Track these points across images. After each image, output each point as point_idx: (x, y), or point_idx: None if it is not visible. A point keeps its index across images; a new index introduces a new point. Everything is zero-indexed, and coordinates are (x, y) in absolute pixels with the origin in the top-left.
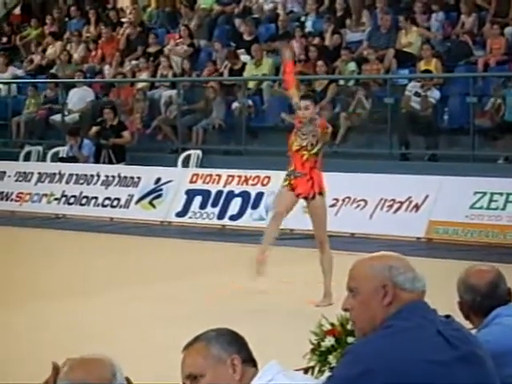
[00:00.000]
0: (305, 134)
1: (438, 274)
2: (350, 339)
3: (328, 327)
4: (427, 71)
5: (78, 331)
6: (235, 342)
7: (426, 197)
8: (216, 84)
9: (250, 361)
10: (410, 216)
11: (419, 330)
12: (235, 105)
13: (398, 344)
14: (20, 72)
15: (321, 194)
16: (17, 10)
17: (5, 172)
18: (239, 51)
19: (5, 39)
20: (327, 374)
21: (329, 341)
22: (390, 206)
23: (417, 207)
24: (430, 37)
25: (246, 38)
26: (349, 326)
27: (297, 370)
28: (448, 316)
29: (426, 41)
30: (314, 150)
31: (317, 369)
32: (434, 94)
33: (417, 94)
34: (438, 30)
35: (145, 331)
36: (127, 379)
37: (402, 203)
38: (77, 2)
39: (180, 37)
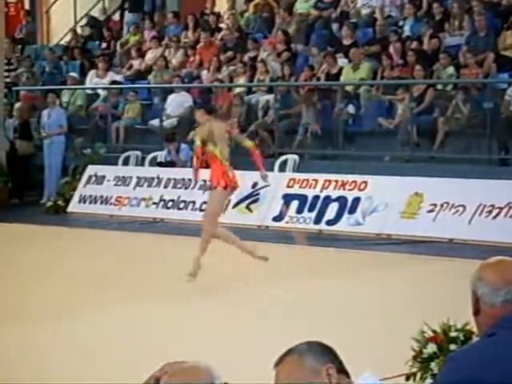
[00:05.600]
0: None
1: None
2: (452, 346)
3: (430, 334)
4: None
5: (184, 335)
6: (328, 353)
7: None
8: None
9: (343, 372)
10: (509, 222)
11: None
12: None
13: (500, 353)
14: (119, 77)
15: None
16: (116, 16)
17: (104, 176)
18: (337, 55)
19: (104, 45)
20: (429, 380)
21: (431, 348)
22: (489, 212)
23: None
24: None
25: (344, 42)
26: (451, 333)
27: (399, 376)
28: None
29: None
30: None
31: (419, 375)
32: None
33: None
34: None
35: (247, 337)
36: None
37: (501, 209)
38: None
39: (277, 42)
